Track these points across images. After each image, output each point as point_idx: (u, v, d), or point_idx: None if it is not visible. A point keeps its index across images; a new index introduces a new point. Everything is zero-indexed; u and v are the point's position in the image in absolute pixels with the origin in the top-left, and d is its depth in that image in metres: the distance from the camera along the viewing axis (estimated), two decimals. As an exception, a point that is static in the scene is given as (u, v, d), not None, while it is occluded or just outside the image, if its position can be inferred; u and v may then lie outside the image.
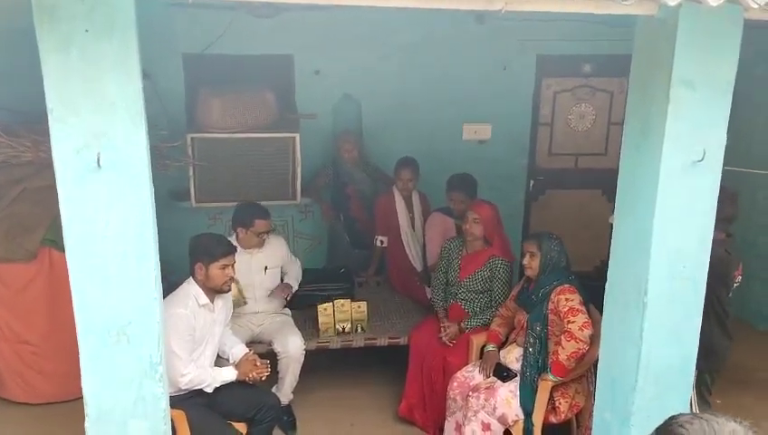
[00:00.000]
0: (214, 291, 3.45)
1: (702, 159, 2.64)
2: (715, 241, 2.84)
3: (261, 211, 4.09)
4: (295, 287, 4.37)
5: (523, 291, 3.81)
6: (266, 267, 4.20)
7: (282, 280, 4.37)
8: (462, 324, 4.10)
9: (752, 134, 5.05)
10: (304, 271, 4.52)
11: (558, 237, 3.71)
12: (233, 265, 3.47)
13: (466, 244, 4.18)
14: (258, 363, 3.57)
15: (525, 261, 3.70)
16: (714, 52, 2.55)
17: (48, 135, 2.41)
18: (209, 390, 3.43)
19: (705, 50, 2.54)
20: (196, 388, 3.40)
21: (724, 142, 2.67)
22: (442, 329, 4.12)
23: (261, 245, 4.13)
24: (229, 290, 3.52)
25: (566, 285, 3.57)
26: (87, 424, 2.71)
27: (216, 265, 3.39)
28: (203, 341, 3.45)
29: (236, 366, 3.55)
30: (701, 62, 2.55)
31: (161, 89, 4.52)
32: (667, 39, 2.55)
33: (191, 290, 3.42)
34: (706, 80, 2.57)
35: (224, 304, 3.60)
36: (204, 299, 3.42)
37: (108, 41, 2.33)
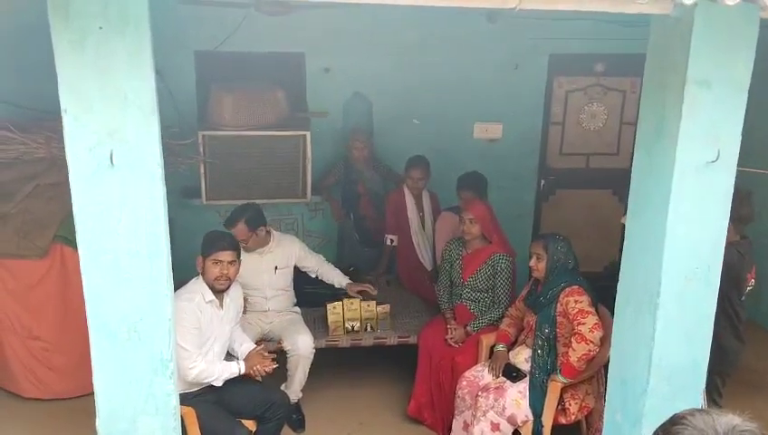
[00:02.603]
0: (211, 287, 3.44)
1: (716, 160, 2.62)
2: (728, 243, 2.82)
3: (235, 217, 4.01)
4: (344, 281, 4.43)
5: (531, 293, 3.80)
6: (276, 268, 4.20)
7: (293, 282, 4.37)
8: (468, 328, 4.10)
9: (767, 135, 4.99)
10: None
11: (565, 238, 3.69)
12: (229, 264, 3.42)
13: (466, 244, 4.18)
14: (265, 354, 3.60)
15: (532, 263, 3.68)
16: (729, 51, 2.53)
17: (60, 131, 2.42)
18: (218, 383, 3.44)
19: (720, 49, 2.52)
20: (205, 382, 3.41)
21: (739, 142, 2.64)
22: (448, 331, 4.11)
23: (264, 242, 4.13)
24: (223, 288, 3.47)
25: (575, 287, 3.55)
26: (97, 420, 2.73)
27: (209, 260, 3.41)
28: (210, 337, 3.46)
29: (245, 360, 3.56)
30: (716, 62, 2.53)
31: (173, 86, 4.53)
32: (681, 38, 2.53)
33: (198, 286, 3.45)
34: (722, 79, 2.55)
35: (233, 302, 3.61)
36: (210, 296, 3.43)
37: (121, 38, 2.34)
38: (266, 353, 3.64)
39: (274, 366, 3.59)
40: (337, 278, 4.44)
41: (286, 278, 4.28)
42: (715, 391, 3.64)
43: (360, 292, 4.35)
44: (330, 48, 5.06)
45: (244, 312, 3.94)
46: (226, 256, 3.42)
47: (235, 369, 3.48)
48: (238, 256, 3.50)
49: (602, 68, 5.52)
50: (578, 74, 5.53)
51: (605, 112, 5.65)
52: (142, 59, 2.38)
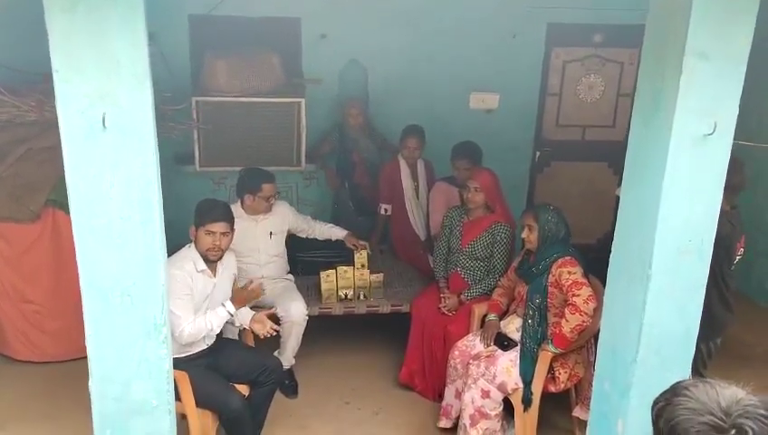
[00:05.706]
0: (203, 257, 3.42)
1: (713, 133, 2.61)
2: (720, 213, 2.82)
3: (267, 175, 4.09)
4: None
5: (524, 263, 3.81)
6: (271, 233, 4.21)
7: (287, 245, 4.39)
8: (462, 296, 4.12)
9: (762, 108, 4.99)
10: (308, 239, 4.52)
11: (555, 208, 3.69)
12: (222, 235, 3.40)
13: (468, 211, 4.18)
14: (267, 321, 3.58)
15: (524, 234, 3.68)
16: (729, 23, 2.50)
17: (53, 95, 2.39)
18: (216, 331, 3.45)
19: (720, 21, 2.49)
20: (200, 337, 3.40)
21: (736, 116, 2.63)
22: (442, 300, 4.14)
23: (269, 210, 4.14)
24: (215, 258, 3.45)
25: (567, 258, 3.56)
26: (91, 384, 2.74)
27: (202, 230, 3.39)
28: (203, 305, 3.46)
29: (231, 299, 3.53)
30: (716, 34, 2.50)
31: (166, 50, 4.47)
32: (681, 9, 2.50)
33: (190, 254, 3.43)
34: (721, 51, 2.52)
35: (226, 269, 3.60)
36: (202, 265, 3.42)
37: (113, 0, 2.29)
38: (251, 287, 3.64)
39: (274, 333, 3.61)
40: (334, 232, 4.51)
41: (280, 244, 4.30)
42: (700, 362, 3.67)
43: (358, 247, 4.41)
44: (326, 14, 5.00)
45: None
46: (220, 227, 3.40)
47: (224, 313, 3.46)
48: (231, 226, 3.48)
49: (600, 39, 5.48)
50: (576, 45, 5.49)
51: (602, 84, 5.63)
52: (135, 22, 2.34)
